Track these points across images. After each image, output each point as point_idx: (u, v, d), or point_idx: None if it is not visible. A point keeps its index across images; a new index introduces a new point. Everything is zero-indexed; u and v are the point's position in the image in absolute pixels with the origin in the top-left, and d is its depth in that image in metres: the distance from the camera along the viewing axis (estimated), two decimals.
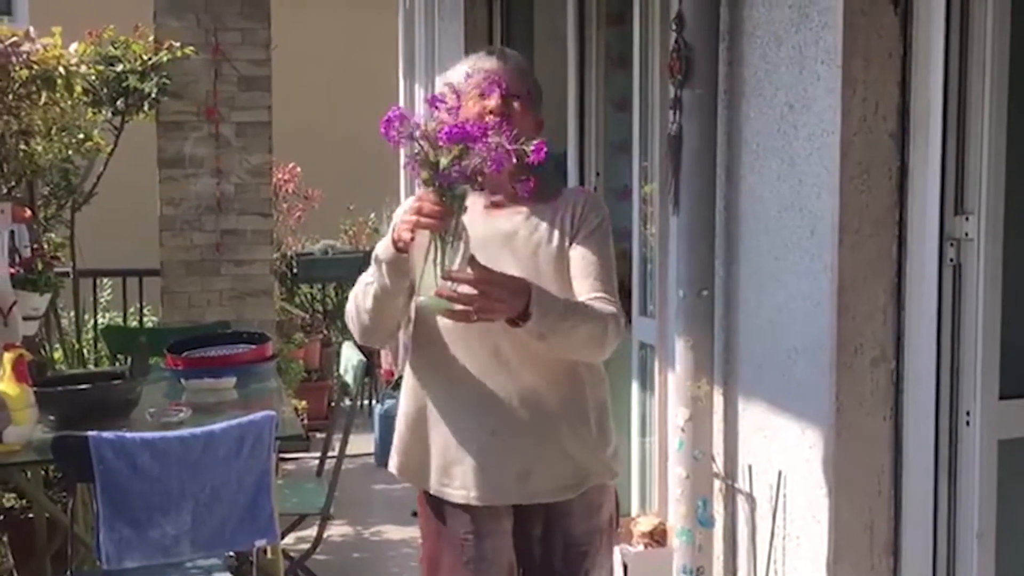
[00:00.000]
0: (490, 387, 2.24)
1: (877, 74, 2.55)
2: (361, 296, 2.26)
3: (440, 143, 1.97)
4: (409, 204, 2.11)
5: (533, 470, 2.26)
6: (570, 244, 2.27)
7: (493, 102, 2.23)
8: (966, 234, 2.47)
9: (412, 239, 2.05)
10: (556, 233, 2.27)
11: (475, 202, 2.26)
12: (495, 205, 2.30)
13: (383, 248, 2.17)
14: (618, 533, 3.11)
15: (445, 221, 1.99)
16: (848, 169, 2.55)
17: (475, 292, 1.97)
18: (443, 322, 2.23)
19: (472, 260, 1.99)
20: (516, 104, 2.26)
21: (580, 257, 2.27)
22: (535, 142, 2.03)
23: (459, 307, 1.99)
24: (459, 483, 2.28)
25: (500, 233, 2.27)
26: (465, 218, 2.14)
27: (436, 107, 2.07)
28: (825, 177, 2.61)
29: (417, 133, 1.99)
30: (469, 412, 2.26)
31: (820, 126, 2.63)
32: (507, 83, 2.26)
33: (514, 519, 2.32)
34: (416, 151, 2.01)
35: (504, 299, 2.02)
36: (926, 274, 2.53)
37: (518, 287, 2.05)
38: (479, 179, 2.04)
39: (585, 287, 2.24)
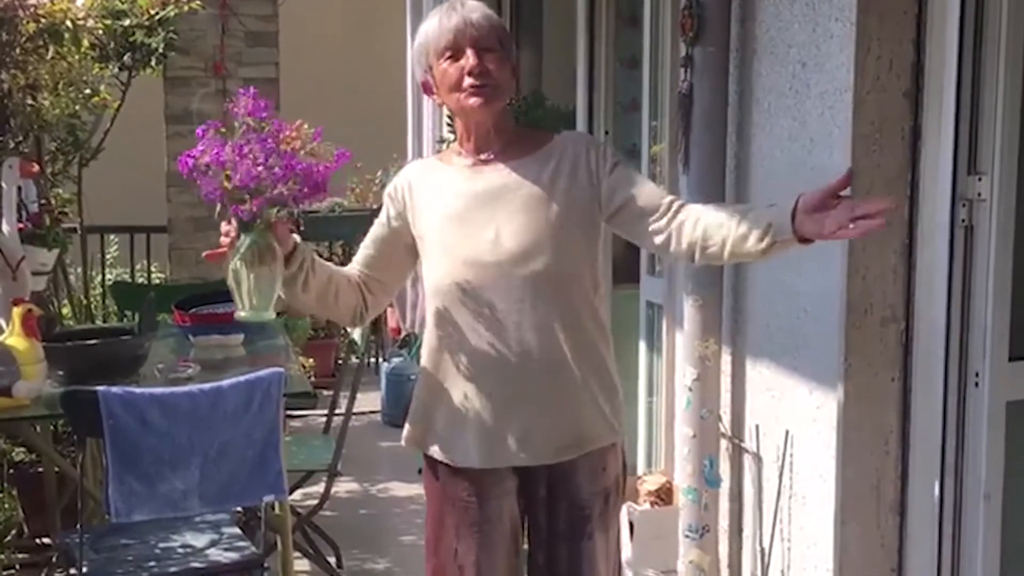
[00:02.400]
0: (489, 348, 2.22)
1: (891, 32, 2.53)
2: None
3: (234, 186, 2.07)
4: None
5: (533, 431, 2.24)
6: (602, 177, 2.21)
7: (470, 61, 2.18)
8: (979, 194, 2.46)
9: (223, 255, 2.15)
10: (564, 177, 2.22)
11: (460, 163, 2.30)
12: (483, 162, 2.27)
13: None
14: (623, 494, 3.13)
15: (233, 245, 2.11)
16: (860, 128, 2.54)
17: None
18: (446, 287, 2.23)
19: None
20: (490, 59, 2.20)
21: (630, 183, 2.22)
22: (338, 152, 2.18)
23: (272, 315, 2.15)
24: (460, 447, 2.28)
25: (488, 189, 2.24)
26: (449, 182, 2.27)
27: (241, 156, 2.09)
28: (837, 136, 2.59)
29: (210, 174, 2.09)
30: (469, 375, 2.25)
31: (833, 84, 2.60)
32: (477, 38, 2.19)
33: (518, 480, 2.32)
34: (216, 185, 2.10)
35: None
36: (937, 235, 2.52)
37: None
38: (289, 202, 2.11)
39: (663, 193, 2.21)
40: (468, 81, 2.19)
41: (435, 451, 2.33)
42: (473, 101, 2.20)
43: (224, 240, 2.13)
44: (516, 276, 2.19)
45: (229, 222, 2.11)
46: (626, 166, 2.26)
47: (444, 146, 5.78)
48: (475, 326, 2.22)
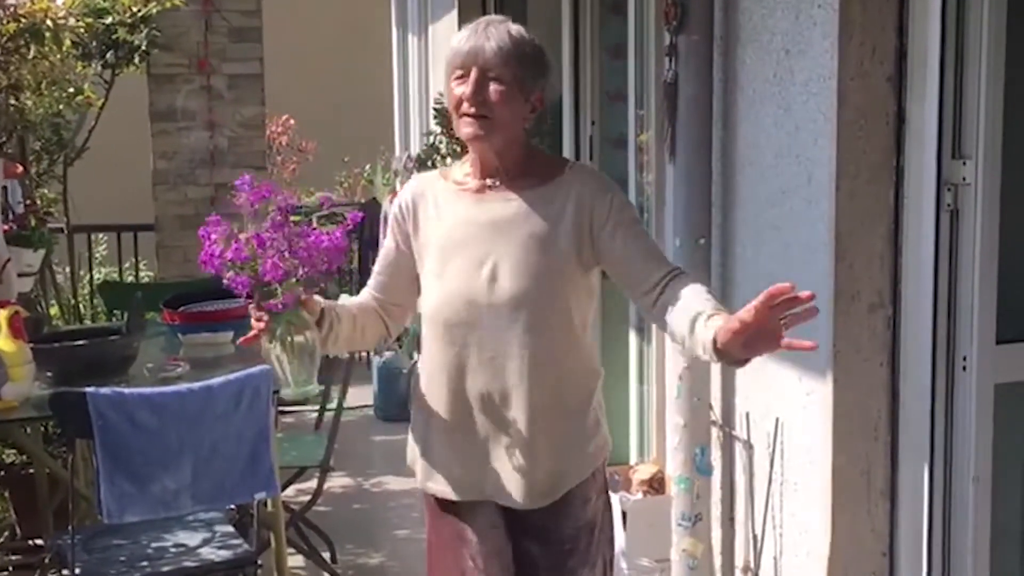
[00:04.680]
0: (474, 388, 2.18)
1: (874, 18, 2.52)
2: None
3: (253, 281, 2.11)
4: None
5: (508, 478, 2.21)
6: (601, 233, 2.15)
7: (468, 89, 2.10)
8: (964, 179, 2.46)
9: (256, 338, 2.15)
10: (568, 220, 2.15)
11: (464, 185, 2.23)
12: (488, 188, 2.20)
13: None
14: (616, 482, 3.13)
15: (268, 330, 2.12)
16: (845, 115, 2.54)
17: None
18: (437, 318, 2.21)
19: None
20: (493, 90, 2.10)
21: (636, 242, 2.16)
22: (322, 198, 2.16)
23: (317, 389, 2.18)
24: (440, 479, 2.27)
25: (492, 218, 2.18)
26: (451, 204, 2.22)
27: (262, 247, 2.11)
28: (822, 123, 2.59)
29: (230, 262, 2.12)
30: (453, 410, 2.22)
31: (817, 71, 2.61)
32: (485, 66, 2.10)
33: (504, 517, 2.28)
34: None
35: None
36: (924, 220, 2.52)
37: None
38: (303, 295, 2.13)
39: (656, 267, 2.13)
40: (463, 107, 2.11)
41: (420, 481, 2.32)
42: (467, 131, 2.13)
43: (258, 326, 2.12)
44: (508, 317, 2.14)
45: (259, 307, 2.10)
46: (631, 224, 2.18)
47: (430, 139, 5.78)
48: (461, 364, 2.19)
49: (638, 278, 2.14)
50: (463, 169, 2.26)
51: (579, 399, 2.24)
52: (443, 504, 2.30)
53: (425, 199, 2.27)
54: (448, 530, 2.30)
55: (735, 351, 1.90)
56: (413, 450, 2.34)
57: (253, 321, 2.12)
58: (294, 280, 2.10)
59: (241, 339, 2.24)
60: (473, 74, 2.10)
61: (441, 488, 2.28)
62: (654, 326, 3.63)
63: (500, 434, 2.19)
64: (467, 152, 2.27)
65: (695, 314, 2.00)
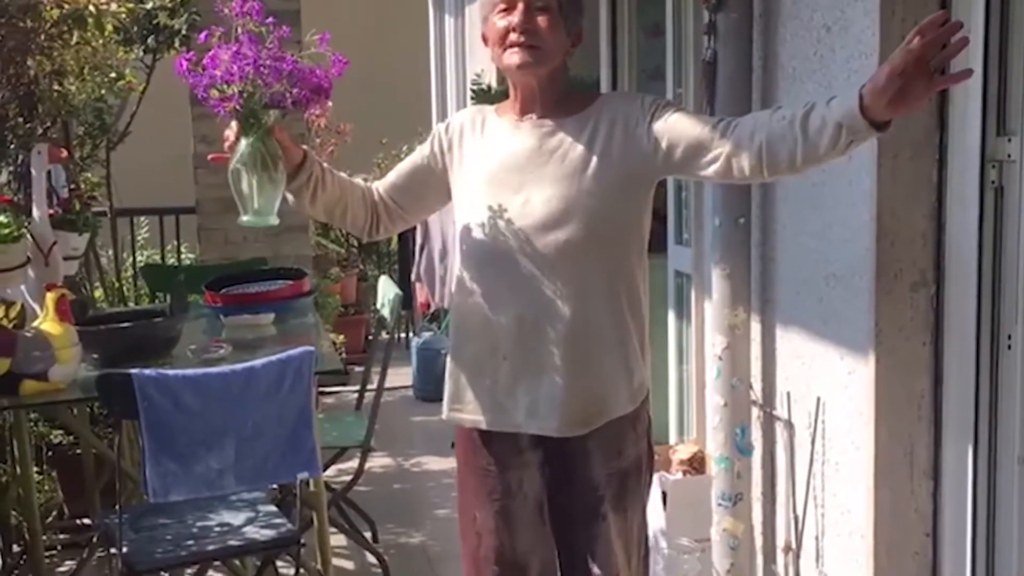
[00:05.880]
0: (508, 313, 2.20)
1: None
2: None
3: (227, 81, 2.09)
4: None
5: (540, 402, 2.21)
6: (641, 127, 2.16)
7: (516, 18, 2.16)
8: (1008, 156, 2.43)
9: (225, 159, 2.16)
10: (602, 138, 2.19)
11: (505, 118, 2.29)
12: (527, 119, 2.25)
13: None
14: (657, 462, 3.13)
15: (236, 146, 2.13)
16: None
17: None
18: (473, 246, 2.23)
19: None
20: (541, 19, 2.16)
21: (685, 112, 2.17)
22: (334, 57, 2.15)
23: (276, 221, 2.14)
24: (471, 407, 2.28)
25: (530, 147, 2.22)
26: (494, 134, 2.25)
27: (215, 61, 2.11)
28: None
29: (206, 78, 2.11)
30: (488, 337, 2.24)
31: (858, 48, 2.58)
32: None
33: (541, 455, 2.31)
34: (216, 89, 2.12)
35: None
36: (967, 197, 2.49)
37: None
38: (288, 105, 2.11)
39: (704, 124, 2.12)
40: (511, 37, 2.17)
41: (447, 412, 2.33)
42: (514, 59, 2.17)
43: (225, 144, 2.15)
44: (544, 242, 2.17)
45: (229, 126, 2.13)
46: (666, 107, 2.19)
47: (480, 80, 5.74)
48: (497, 289, 2.21)
49: (698, 141, 2.10)
50: (509, 104, 2.32)
51: (619, 326, 2.22)
52: (474, 439, 2.32)
53: (474, 126, 2.33)
54: (476, 466, 2.33)
55: (881, 110, 1.81)
56: (447, 387, 2.35)
57: (224, 135, 2.15)
58: (257, 97, 2.09)
59: (211, 155, 2.26)
60: (520, 4, 2.16)
61: (472, 418, 2.29)
62: (693, 306, 3.61)
63: (535, 360, 2.20)
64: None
65: (807, 107, 1.93)
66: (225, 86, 2.08)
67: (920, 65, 1.75)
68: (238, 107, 2.08)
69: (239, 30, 2.11)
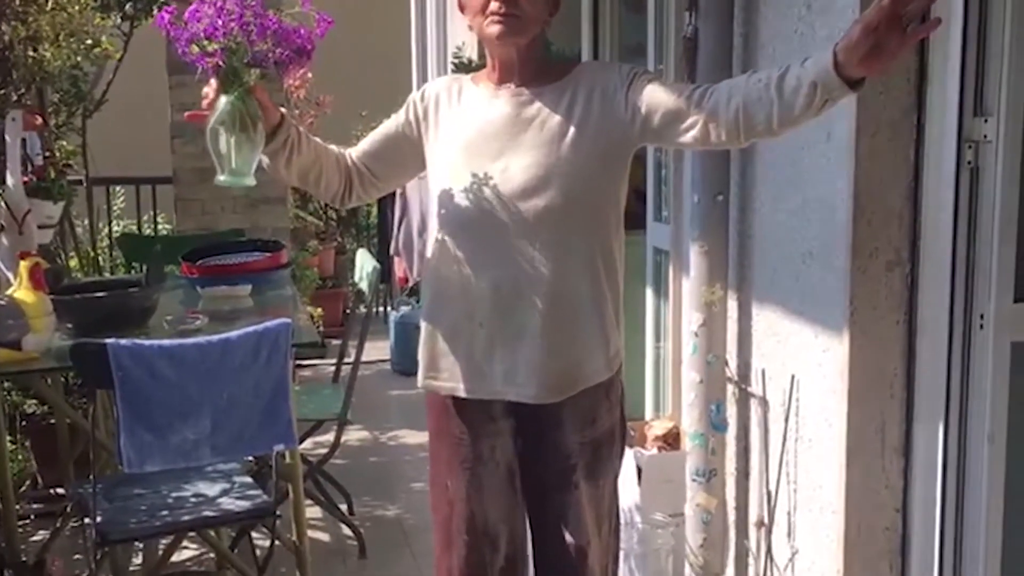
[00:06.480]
0: (485, 279, 2.20)
1: None
2: None
3: (208, 36, 2.06)
4: None
5: (518, 367, 2.22)
6: (618, 94, 2.17)
7: None
8: (984, 136, 2.44)
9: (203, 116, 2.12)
10: (580, 105, 2.19)
11: (482, 86, 2.29)
12: (505, 87, 2.25)
13: None
14: (631, 436, 3.15)
15: (214, 104, 2.09)
16: None
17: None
18: (450, 213, 2.23)
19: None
20: None
21: (650, 91, 2.16)
22: (319, 16, 2.13)
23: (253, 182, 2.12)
24: (447, 375, 2.29)
25: (507, 114, 2.23)
26: (471, 102, 2.23)
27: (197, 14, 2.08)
28: None
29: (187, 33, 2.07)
30: (465, 303, 2.23)
31: (839, 27, 2.58)
32: None
33: (513, 422, 2.32)
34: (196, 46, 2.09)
35: None
36: (943, 177, 2.50)
37: None
38: (269, 65, 2.09)
39: (681, 91, 2.13)
40: (492, 6, 2.16)
41: (422, 379, 2.33)
42: (494, 29, 2.17)
43: (204, 102, 2.11)
44: (522, 209, 2.17)
45: (209, 84, 2.10)
46: (644, 76, 2.20)
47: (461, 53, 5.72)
48: (475, 256, 2.21)
49: (675, 108, 2.11)
50: (485, 73, 2.32)
51: (596, 293, 2.23)
52: (448, 407, 2.32)
53: (450, 94, 2.33)
54: (448, 435, 2.33)
55: (855, 67, 1.82)
56: (422, 355, 2.34)
57: (203, 93, 2.12)
58: (240, 54, 2.06)
59: (188, 113, 2.22)
60: None
61: (448, 385, 2.29)
62: (671, 283, 3.62)
63: (513, 326, 2.20)
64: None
65: (781, 69, 1.95)
66: (207, 41, 2.05)
67: (893, 20, 1.76)
68: (221, 63, 2.05)
69: None
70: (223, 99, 2.09)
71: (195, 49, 2.06)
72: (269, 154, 2.20)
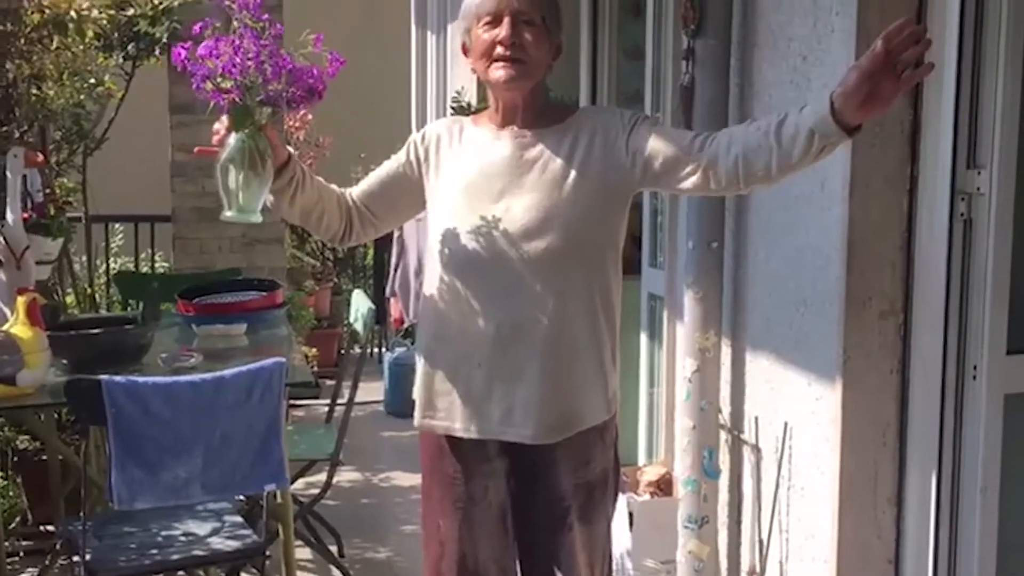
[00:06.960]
0: (492, 318, 2.20)
1: None
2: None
3: (228, 74, 2.09)
4: None
5: (516, 409, 2.22)
6: (619, 140, 2.20)
7: (503, 32, 2.17)
8: (978, 188, 2.47)
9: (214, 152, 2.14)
10: (581, 149, 2.21)
11: (484, 128, 2.31)
12: (506, 130, 2.27)
13: None
14: (624, 482, 3.14)
15: (224, 141, 2.11)
16: None
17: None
18: (450, 254, 2.24)
19: None
20: (528, 33, 2.18)
21: (663, 127, 2.22)
22: (331, 56, 2.16)
23: (259, 219, 2.13)
24: (443, 414, 2.28)
25: (509, 156, 2.24)
26: (473, 143, 2.26)
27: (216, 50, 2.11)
28: None
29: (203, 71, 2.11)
30: (464, 343, 2.24)
31: (834, 78, 2.58)
32: (518, 10, 2.18)
33: (507, 463, 2.31)
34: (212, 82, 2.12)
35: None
36: (936, 228, 2.52)
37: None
38: (281, 104, 2.13)
39: (682, 138, 2.17)
40: (498, 51, 2.18)
41: (419, 419, 2.33)
42: (500, 74, 2.19)
43: (215, 138, 2.13)
44: (524, 250, 2.18)
45: (221, 120, 2.13)
46: (645, 121, 2.23)
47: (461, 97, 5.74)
48: (475, 296, 2.22)
49: (675, 155, 2.14)
50: (487, 114, 2.34)
51: (595, 335, 2.24)
52: (442, 446, 2.31)
53: (451, 135, 2.34)
54: (442, 474, 2.33)
55: (852, 113, 1.86)
56: (419, 394, 2.34)
57: (214, 129, 2.14)
58: (255, 92, 2.09)
59: (198, 148, 2.24)
60: (507, 18, 2.18)
61: (445, 424, 2.29)
62: (665, 328, 3.63)
63: (511, 366, 2.21)
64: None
65: (780, 116, 1.99)
66: (221, 78, 2.08)
67: (887, 67, 1.81)
68: (237, 100, 2.08)
69: (238, 24, 2.10)
70: (234, 136, 2.11)
71: (210, 86, 2.08)
72: (274, 192, 2.21)
